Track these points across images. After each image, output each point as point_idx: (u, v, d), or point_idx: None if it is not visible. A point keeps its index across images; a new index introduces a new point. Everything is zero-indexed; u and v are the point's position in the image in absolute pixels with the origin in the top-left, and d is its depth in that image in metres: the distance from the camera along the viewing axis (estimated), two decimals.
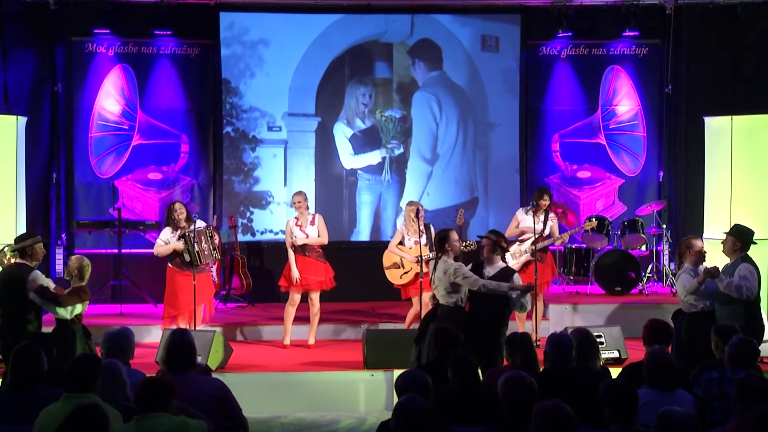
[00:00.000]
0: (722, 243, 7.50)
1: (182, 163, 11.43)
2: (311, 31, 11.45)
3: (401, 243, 8.92)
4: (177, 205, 8.65)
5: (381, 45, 11.56)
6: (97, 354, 4.67)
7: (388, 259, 9.03)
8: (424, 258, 8.54)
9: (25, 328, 7.13)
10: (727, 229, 7.77)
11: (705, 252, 7.43)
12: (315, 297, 8.93)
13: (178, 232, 8.55)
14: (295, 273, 8.79)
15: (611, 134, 11.86)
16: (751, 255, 7.55)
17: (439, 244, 7.22)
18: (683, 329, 7.20)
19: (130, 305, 10.35)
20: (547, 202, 9.08)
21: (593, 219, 10.05)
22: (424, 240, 8.65)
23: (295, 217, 8.99)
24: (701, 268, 7.32)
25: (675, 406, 4.12)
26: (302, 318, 9.17)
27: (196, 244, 8.40)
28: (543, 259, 9.07)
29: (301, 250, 8.87)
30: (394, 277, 8.96)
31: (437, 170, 11.63)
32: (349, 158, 11.55)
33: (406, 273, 8.87)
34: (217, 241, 8.70)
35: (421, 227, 8.64)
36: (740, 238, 7.33)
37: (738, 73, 11.45)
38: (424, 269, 8.48)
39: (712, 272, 7.11)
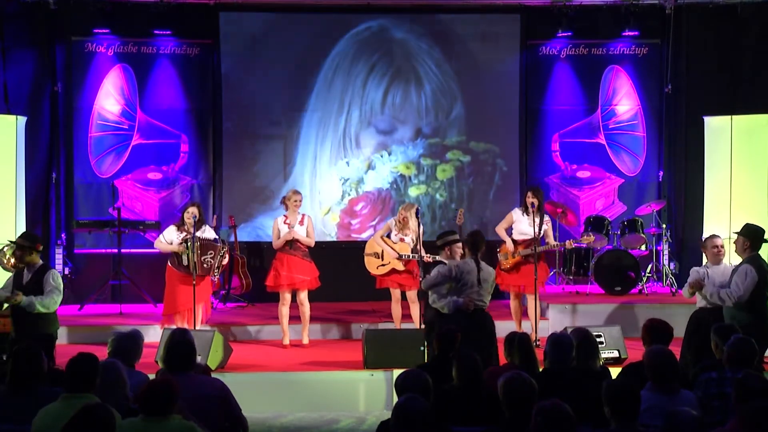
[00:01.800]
0: (734, 243, 7.48)
1: (182, 162, 11.43)
2: (311, 27, 11.46)
3: (387, 236, 9.03)
4: (192, 208, 8.58)
5: (381, 41, 11.55)
6: None
7: (370, 246, 9.11)
8: (405, 257, 8.79)
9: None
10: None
11: (719, 249, 7.43)
12: (303, 297, 8.92)
13: (183, 234, 8.55)
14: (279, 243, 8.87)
15: (611, 134, 11.85)
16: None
17: (476, 245, 7.35)
18: (690, 322, 7.36)
19: (129, 305, 10.34)
20: (533, 201, 8.83)
21: (590, 234, 9.98)
22: (409, 239, 8.86)
23: (284, 215, 8.99)
24: (722, 265, 7.39)
25: (686, 408, 4.13)
26: (298, 317, 9.17)
27: (196, 253, 8.37)
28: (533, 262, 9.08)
29: (288, 247, 8.88)
30: (371, 265, 9.03)
31: (439, 167, 11.63)
32: (347, 154, 11.57)
33: (383, 265, 8.95)
34: (224, 262, 8.67)
35: (420, 228, 8.76)
36: (749, 236, 7.28)
37: (738, 73, 11.44)
38: (402, 267, 8.82)
39: (694, 285, 7.33)
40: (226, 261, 8.75)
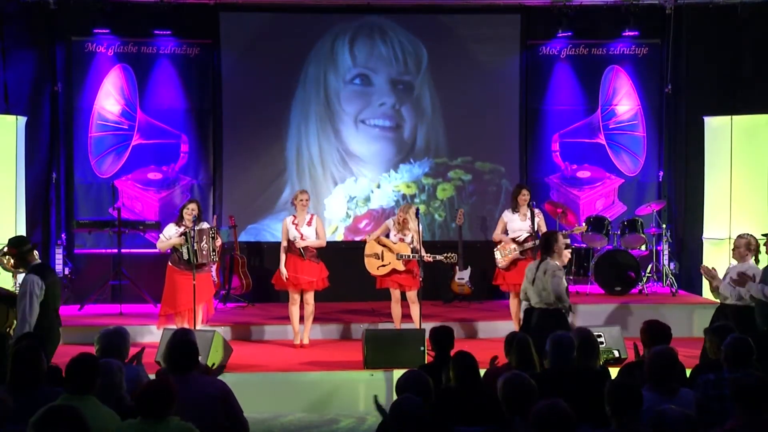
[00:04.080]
0: (764, 244, 7.49)
1: (182, 163, 11.43)
2: (311, 27, 11.45)
3: (386, 236, 9.03)
4: (191, 205, 8.63)
5: (381, 43, 11.55)
6: None
7: (370, 247, 9.09)
8: (405, 257, 8.79)
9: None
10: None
11: (733, 249, 7.44)
12: (309, 297, 8.96)
13: (182, 229, 8.56)
14: (284, 272, 8.85)
15: (611, 134, 11.85)
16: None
17: (546, 246, 7.31)
18: (714, 318, 7.40)
19: (130, 305, 10.34)
20: (527, 197, 9.10)
21: (584, 224, 10.13)
22: (409, 239, 8.87)
23: (293, 215, 9.01)
24: (742, 264, 7.35)
25: (672, 406, 4.13)
26: (301, 316, 9.17)
27: (195, 243, 8.41)
28: (531, 258, 9.09)
29: (295, 248, 8.90)
30: (371, 266, 9.02)
31: (438, 169, 11.62)
32: (347, 155, 11.56)
33: (383, 266, 8.93)
34: (218, 243, 8.69)
35: (420, 228, 8.80)
36: None
37: (738, 73, 11.43)
38: (402, 267, 8.80)
39: (714, 287, 7.40)
40: (219, 242, 8.77)
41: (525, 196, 9.11)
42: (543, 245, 7.38)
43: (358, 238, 11.26)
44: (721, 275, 7.48)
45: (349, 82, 11.52)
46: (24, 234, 9.59)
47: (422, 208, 11.45)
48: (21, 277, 7.16)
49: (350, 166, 11.54)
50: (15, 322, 6.93)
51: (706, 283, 10.49)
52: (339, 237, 11.48)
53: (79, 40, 11.19)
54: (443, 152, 11.61)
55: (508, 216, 9.22)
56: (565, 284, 7.29)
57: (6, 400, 4.22)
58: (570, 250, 7.44)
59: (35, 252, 7.22)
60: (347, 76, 11.51)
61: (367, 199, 11.56)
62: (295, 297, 8.95)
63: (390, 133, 11.59)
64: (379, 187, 11.55)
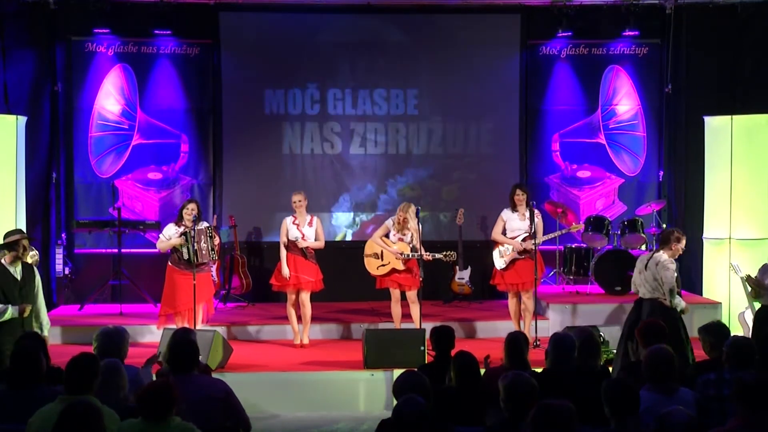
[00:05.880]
0: None
1: (182, 162, 11.43)
2: (311, 27, 11.44)
3: (386, 236, 9.01)
4: (191, 205, 8.63)
5: (381, 43, 11.56)
6: None
7: (369, 247, 9.10)
8: (404, 256, 8.78)
9: None
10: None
11: None
12: (305, 298, 8.96)
13: (182, 229, 8.56)
14: (286, 270, 8.85)
15: (611, 134, 11.85)
16: (749, 254, 7.59)
17: (664, 239, 7.43)
18: (756, 320, 7.50)
19: (130, 305, 10.35)
20: (522, 197, 9.03)
21: (581, 223, 10.14)
22: (408, 238, 8.85)
23: (293, 215, 9.02)
24: None
25: (679, 407, 4.12)
26: (299, 317, 9.18)
27: (195, 243, 8.41)
28: (529, 258, 9.06)
29: (296, 248, 8.90)
30: (371, 266, 9.02)
31: (437, 170, 11.62)
32: (339, 164, 11.55)
33: (383, 266, 8.93)
34: (216, 242, 8.68)
35: (419, 226, 8.80)
36: None
37: (738, 73, 11.43)
38: (402, 267, 8.80)
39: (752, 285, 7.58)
40: (217, 241, 8.76)
41: (519, 196, 9.06)
42: (661, 238, 7.51)
43: None
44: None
45: (345, 92, 11.50)
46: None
47: (426, 211, 11.46)
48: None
49: (342, 175, 11.52)
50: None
51: (706, 283, 10.53)
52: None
53: (79, 40, 11.19)
54: (442, 155, 11.60)
55: (507, 215, 9.19)
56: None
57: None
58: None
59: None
60: (344, 86, 11.49)
61: (373, 205, 11.55)
62: (293, 298, 8.96)
63: (384, 147, 11.56)
64: (385, 192, 11.55)
